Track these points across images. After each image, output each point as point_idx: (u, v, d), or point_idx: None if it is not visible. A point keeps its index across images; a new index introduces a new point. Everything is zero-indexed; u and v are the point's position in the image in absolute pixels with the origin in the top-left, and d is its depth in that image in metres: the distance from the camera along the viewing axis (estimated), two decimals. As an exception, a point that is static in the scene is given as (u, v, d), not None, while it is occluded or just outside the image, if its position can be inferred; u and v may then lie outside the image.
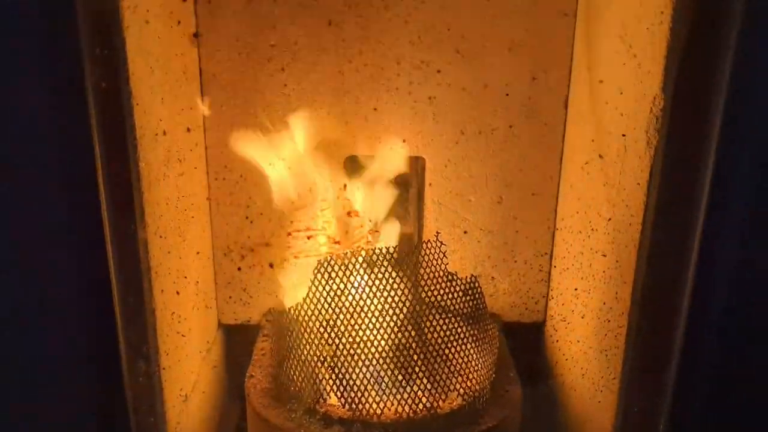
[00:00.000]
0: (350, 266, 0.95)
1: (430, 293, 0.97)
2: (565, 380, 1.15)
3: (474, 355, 0.97)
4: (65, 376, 0.81)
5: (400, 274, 0.95)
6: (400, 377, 0.94)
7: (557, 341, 1.19)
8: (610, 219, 0.97)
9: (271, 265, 1.24)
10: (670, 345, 0.85)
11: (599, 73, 1.01)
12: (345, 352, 0.94)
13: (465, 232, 1.23)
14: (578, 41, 1.12)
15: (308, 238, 1.15)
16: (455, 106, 1.17)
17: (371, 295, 0.94)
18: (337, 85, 1.15)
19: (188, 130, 1.08)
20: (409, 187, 1.22)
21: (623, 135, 0.92)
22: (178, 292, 1.01)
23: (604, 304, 0.99)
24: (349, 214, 1.15)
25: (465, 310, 0.99)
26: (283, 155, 1.14)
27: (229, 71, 1.14)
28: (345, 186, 1.17)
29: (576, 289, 1.10)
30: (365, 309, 0.94)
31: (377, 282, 0.94)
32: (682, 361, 0.84)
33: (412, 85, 1.16)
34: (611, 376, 0.95)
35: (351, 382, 0.93)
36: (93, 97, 0.73)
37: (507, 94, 1.16)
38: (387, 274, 0.95)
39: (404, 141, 1.18)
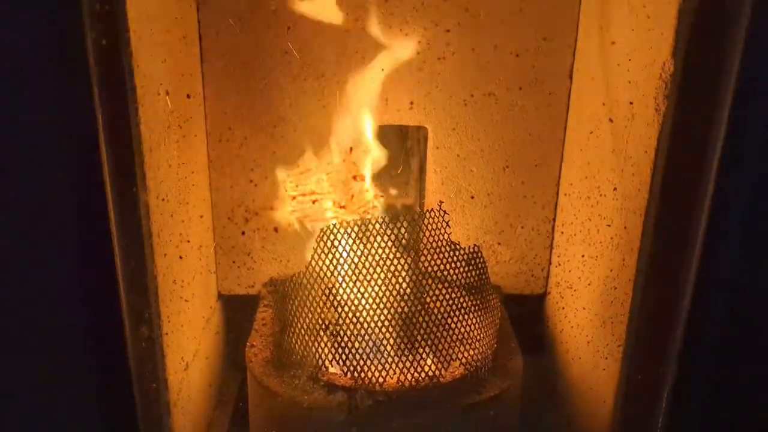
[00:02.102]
0: (353, 234, 0.95)
1: (432, 263, 0.96)
2: (570, 348, 1.15)
3: (476, 325, 0.97)
4: (67, 341, 0.81)
5: (403, 242, 0.94)
6: (402, 346, 0.94)
7: (563, 308, 1.19)
8: (618, 186, 0.96)
9: (275, 229, 1.23)
10: (676, 314, 0.84)
11: (611, 35, 1.00)
12: (348, 320, 0.94)
13: (472, 197, 1.22)
14: (587, 2, 1.10)
15: (313, 202, 1.15)
16: (465, 68, 1.15)
17: (374, 263, 0.94)
18: (343, 46, 1.13)
19: (188, 96, 1.06)
20: (411, 157, 1.21)
21: (631, 102, 0.91)
22: (181, 257, 1.00)
23: (611, 271, 0.98)
24: (354, 178, 1.14)
25: (467, 280, 0.99)
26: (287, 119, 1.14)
27: (230, 37, 1.12)
28: (351, 150, 1.16)
29: (583, 256, 1.10)
30: (368, 277, 0.94)
31: (380, 250, 0.94)
32: (687, 330, 0.84)
33: (420, 45, 1.14)
34: (616, 344, 0.95)
35: (354, 351, 0.94)
36: (93, 55, 0.72)
37: (517, 56, 1.14)
38: (390, 243, 0.94)
39: (412, 103, 1.17)
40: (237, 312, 1.25)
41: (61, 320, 0.80)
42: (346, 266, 0.95)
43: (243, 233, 1.23)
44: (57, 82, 0.72)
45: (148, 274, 0.84)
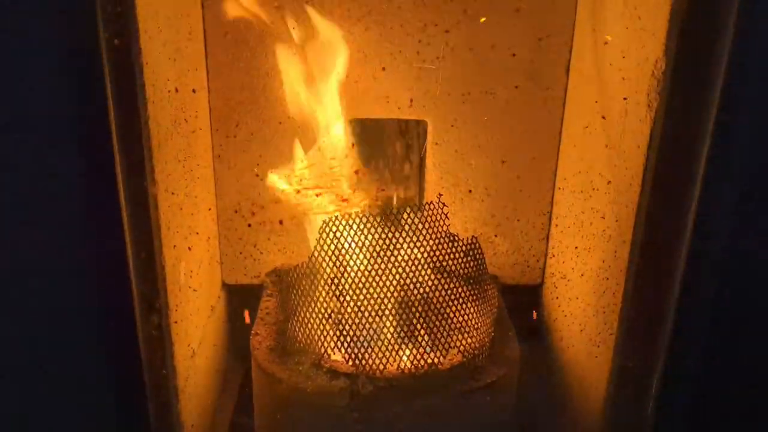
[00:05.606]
0: (355, 226, 0.96)
1: (432, 254, 0.97)
2: (563, 336, 1.16)
3: (474, 314, 0.98)
4: (80, 330, 0.83)
5: (404, 234, 0.96)
6: (402, 334, 0.95)
7: (557, 298, 1.21)
8: (610, 180, 0.98)
9: (280, 222, 1.25)
10: (666, 303, 0.86)
11: (604, 35, 1.01)
12: (350, 310, 0.95)
13: (470, 191, 1.24)
14: (583, 3, 1.12)
15: (317, 195, 1.16)
16: (463, 67, 1.17)
17: (375, 254, 0.95)
18: (345, 45, 1.15)
19: (193, 91, 1.07)
20: (411, 151, 1.23)
21: (624, 98, 0.91)
22: (190, 248, 1.02)
23: (603, 262, 0.99)
24: (356, 172, 1.16)
25: (466, 271, 1.00)
26: (291, 114, 1.15)
27: (233, 32, 1.14)
28: (353, 145, 1.18)
29: (576, 248, 1.11)
30: (369, 268, 0.95)
31: (381, 241, 0.95)
32: (677, 320, 0.85)
33: (420, 44, 1.16)
34: (608, 332, 0.96)
35: (356, 339, 0.95)
36: (107, 54, 0.73)
37: (513, 55, 1.16)
38: (391, 234, 0.95)
39: (411, 101, 1.19)
40: (242, 301, 1.28)
41: (74, 310, 0.82)
42: (347, 257, 0.96)
43: (249, 225, 1.25)
44: (72, 82, 0.73)
45: (158, 265, 0.85)
